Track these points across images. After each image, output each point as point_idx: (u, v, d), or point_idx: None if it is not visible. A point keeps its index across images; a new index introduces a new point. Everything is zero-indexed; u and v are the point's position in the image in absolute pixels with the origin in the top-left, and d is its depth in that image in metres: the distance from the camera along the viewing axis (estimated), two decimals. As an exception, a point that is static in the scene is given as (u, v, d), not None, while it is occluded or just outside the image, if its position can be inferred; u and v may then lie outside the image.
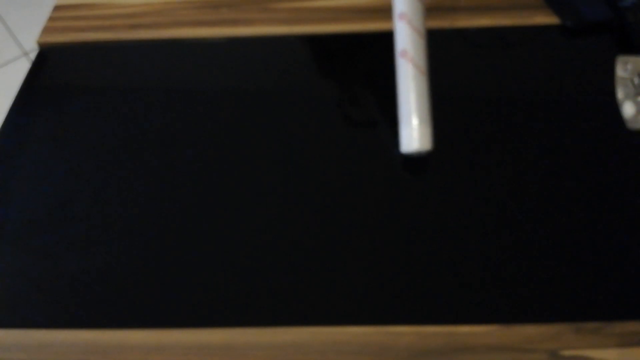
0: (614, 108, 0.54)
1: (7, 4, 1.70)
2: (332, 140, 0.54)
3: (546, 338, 0.42)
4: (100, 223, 0.50)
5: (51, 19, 0.67)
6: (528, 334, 0.42)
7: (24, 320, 0.45)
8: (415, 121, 0.50)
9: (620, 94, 0.55)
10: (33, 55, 0.65)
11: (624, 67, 0.56)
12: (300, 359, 0.42)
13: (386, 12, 0.63)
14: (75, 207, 0.51)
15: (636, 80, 0.54)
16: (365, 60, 0.61)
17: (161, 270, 0.47)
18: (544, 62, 0.59)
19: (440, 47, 0.61)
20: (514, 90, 0.57)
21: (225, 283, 0.46)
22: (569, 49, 0.60)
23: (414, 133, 0.50)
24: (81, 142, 0.56)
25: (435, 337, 0.43)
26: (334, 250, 0.47)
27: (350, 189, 0.51)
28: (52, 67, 0.63)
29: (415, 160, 0.52)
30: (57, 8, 0.68)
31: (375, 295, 0.45)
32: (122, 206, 0.51)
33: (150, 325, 0.44)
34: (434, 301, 0.44)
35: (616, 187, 0.49)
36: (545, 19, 0.62)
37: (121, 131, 0.56)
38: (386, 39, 0.62)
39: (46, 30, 0.66)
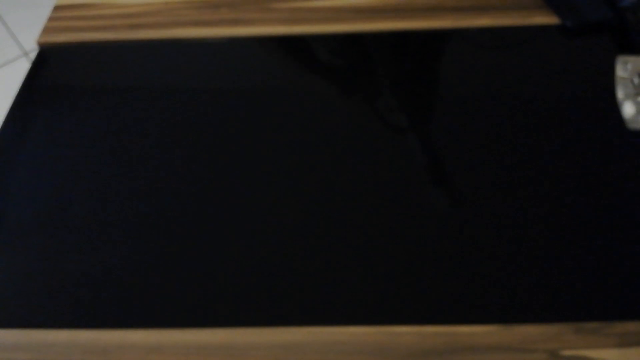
0: (614, 108, 0.54)
1: (7, 4, 1.70)
2: (332, 139, 0.54)
3: (546, 338, 0.42)
4: (100, 223, 0.50)
5: (51, 19, 0.67)
6: (528, 334, 0.42)
7: (24, 320, 0.45)
8: None
9: (620, 94, 0.55)
10: (33, 55, 0.65)
11: (624, 67, 0.56)
12: (300, 359, 0.42)
13: (386, 12, 0.63)
14: (75, 207, 0.51)
15: (636, 80, 0.54)
16: (365, 60, 0.61)
17: (161, 270, 0.47)
18: (544, 62, 0.59)
19: (440, 47, 0.61)
20: (514, 90, 0.57)
21: (225, 283, 0.46)
22: (569, 49, 0.60)
23: None
24: (81, 142, 0.56)
25: (435, 337, 0.43)
26: (334, 250, 0.47)
27: (350, 189, 0.51)
28: (52, 67, 0.63)
29: (413, 160, 0.52)
30: (57, 8, 0.68)
31: (375, 295, 0.45)
32: (122, 206, 0.51)
33: (150, 325, 0.44)
34: (434, 301, 0.44)
35: (616, 187, 0.49)
36: (545, 19, 0.62)
37: (121, 131, 0.56)
38: (385, 39, 0.62)
39: (46, 30, 0.66)
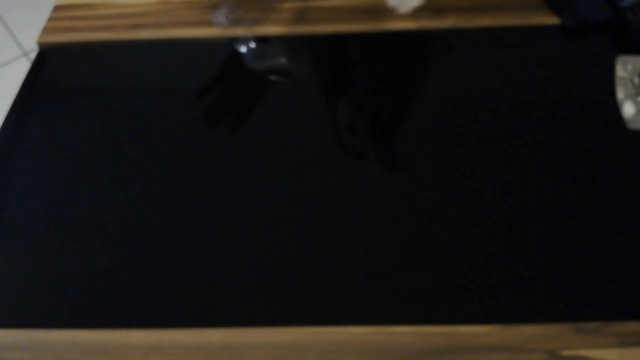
0: (614, 108, 0.54)
1: (7, 4, 1.70)
2: (331, 138, 0.54)
3: (546, 338, 0.42)
4: (100, 223, 0.50)
5: (51, 19, 0.67)
6: (528, 334, 0.42)
7: (24, 320, 0.45)
8: None
9: (620, 94, 0.55)
10: (33, 55, 0.65)
11: (624, 67, 0.56)
12: (300, 359, 0.42)
13: (386, 12, 0.63)
14: (75, 207, 0.51)
15: (636, 80, 0.54)
16: (364, 60, 0.61)
17: (161, 270, 0.47)
18: (544, 62, 0.58)
19: (440, 47, 0.61)
20: (514, 90, 0.57)
21: (225, 283, 0.46)
22: (569, 49, 0.60)
23: None
24: (81, 141, 0.56)
25: (435, 337, 0.43)
26: (334, 250, 0.47)
27: (351, 189, 0.51)
28: (52, 67, 0.63)
29: (413, 160, 0.52)
30: (57, 8, 0.68)
31: (376, 295, 0.45)
32: (122, 206, 0.51)
33: (150, 325, 0.44)
34: (434, 301, 0.44)
35: (616, 187, 0.49)
36: (545, 19, 0.62)
37: (121, 131, 0.56)
38: (385, 39, 0.62)
39: (46, 30, 0.66)
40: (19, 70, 1.53)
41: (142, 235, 0.49)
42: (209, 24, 0.64)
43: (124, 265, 0.47)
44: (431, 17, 0.62)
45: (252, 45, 0.62)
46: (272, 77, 0.60)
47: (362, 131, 0.55)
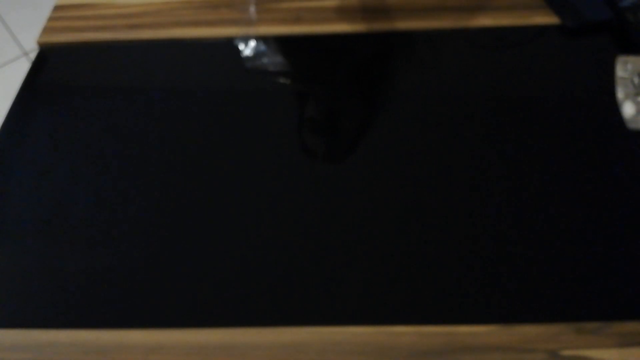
0: (614, 108, 0.54)
1: (7, 4, 1.70)
2: (332, 138, 0.54)
3: (546, 338, 0.42)
4: (100, 223, 0.50)
5: (51, 19, 0.67)
6: (528, 334, 0.42)
7: (24, 320, 0.45)
8: None
9: (620, 94, 0.55)
10: (33, 55, 0.65)
11: (624, 67, 0.56)
12: (300, 359, 0.42)
13: (386, 12, 0.63)
14: (75, 207, 0.51)
15: (636, 80, 0.54)
16: (364, 60, 0.61)
17: (161, 270, 0.47)
18: (544, 62, 0.58)
19: (440, 47, 0.61)
20: (514, 90, 0.57)
21: (225, 283, 0.46)
22: (569, 49, 0.60)
23: None
24: (81, 141, 0.56)
25: (435, 337, 0.43)
26: (334, 250, 0.47)
27: (351, 189, 0.51)
28: (52, 67, 0.63)
29: (410, 160, 0.52)
30: (57, 8, 0.68)
31: (375, 295, 0.45)
32: (122, 206, 0.51)
33: (150, 325, 0.44)
34: (434, 301, 0.44)
35: (616, 187, 0.49)
36: (545, 19, 0.62)
37: (121, 131, 0.56)
38: (384, 39, 0.62)
39: (46, 30, 0.66)
40: (19, 70, 1.53)
41: (142, 236, 0.49)
42: (209, 23, 0.65)
43: (124, 265, 0.47)
44: (432, 17, 0.62)
45: (252, 45, 0.62)
46: (272, 77, 0.60)
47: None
